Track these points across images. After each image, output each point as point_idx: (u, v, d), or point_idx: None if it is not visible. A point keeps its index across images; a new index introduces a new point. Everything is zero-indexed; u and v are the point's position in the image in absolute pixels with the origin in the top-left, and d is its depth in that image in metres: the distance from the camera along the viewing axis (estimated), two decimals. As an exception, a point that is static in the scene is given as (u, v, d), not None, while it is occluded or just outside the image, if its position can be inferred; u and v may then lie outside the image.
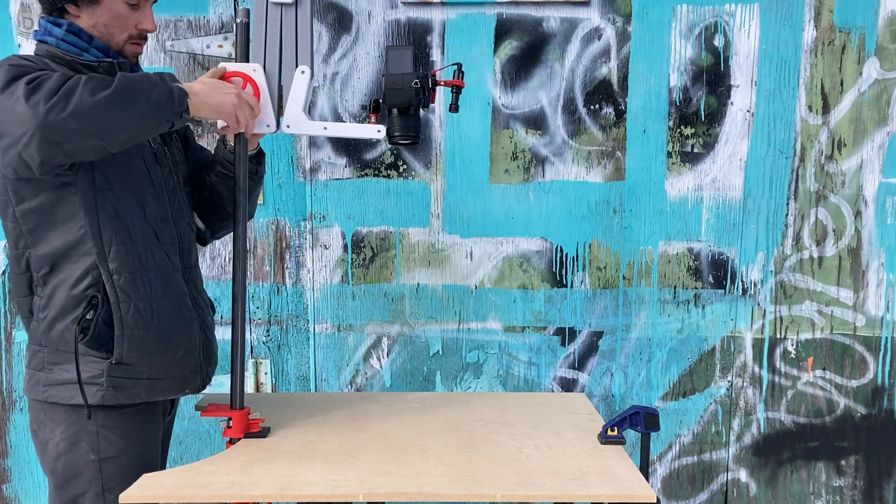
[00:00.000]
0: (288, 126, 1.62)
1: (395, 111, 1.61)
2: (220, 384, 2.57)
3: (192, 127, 1.85)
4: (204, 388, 1.74)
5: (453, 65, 1.68)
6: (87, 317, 1.52)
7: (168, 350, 1.60)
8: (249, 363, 2.56)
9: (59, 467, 1.59)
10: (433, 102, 1.63)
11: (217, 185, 1.77)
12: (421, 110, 1.62)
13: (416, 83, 1.57)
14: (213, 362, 1.77)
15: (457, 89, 1.65)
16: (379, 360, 2.60)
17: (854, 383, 2.62)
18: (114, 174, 1.53)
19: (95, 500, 1.57)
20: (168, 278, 1.61)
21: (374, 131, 1.62)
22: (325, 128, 1.65)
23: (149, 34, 1.64)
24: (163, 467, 1.76)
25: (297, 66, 1.60)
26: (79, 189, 1.50)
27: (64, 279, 1.53)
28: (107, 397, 1.55)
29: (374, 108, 1.65)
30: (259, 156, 1.80)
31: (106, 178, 1.52)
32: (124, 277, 1.54)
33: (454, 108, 1.67)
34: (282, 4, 1.59)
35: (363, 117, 2.48)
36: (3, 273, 2.54)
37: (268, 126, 1.62)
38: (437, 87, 1.65)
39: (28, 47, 2.42)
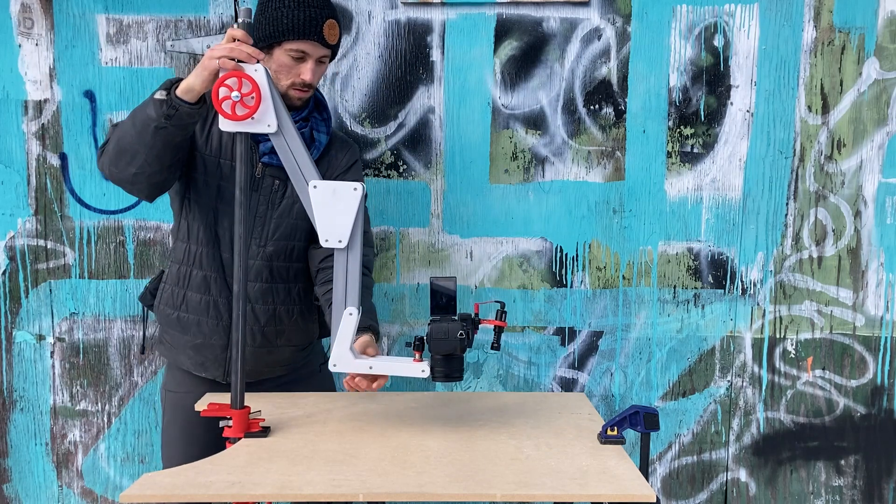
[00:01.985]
0: (335, 365, 1.65)
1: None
2: (220, 384, 2.57)
3: None
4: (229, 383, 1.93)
5: (496, 302, 1.72)
6: (155, 286, 2.04)
7: (186, 333, 1.96)
8: (249, 363, 2.57)
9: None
10: (476, 333, 1.67)
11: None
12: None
13: (461, 334, 1.61)
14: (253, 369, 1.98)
15: (498, 329, 1.66)
16: (379, 359, 2.60)
17: (853, 383, 2.62)
18: (200, 190, 1.91)
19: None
20: (208, 278, 1.93)
21: (418, 370, 1.65)
22: (370, 367, 1.67)
23: (309, 84, 1.87)
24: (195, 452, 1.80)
25: (345, 307, 1.64)
26: (175, 197, 1.96)
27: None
28: (161, 349, 2.07)
29: (418, 347, 1.66)
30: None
31: (194, 192, 1.91)
32: (176, 266, 1.96)
33: (496, 346, 1.69)
34: (335, 249, 1.65)
35: (363, 118, 2.48)
36: (4, 273, 2.54)
37: (268, 126, 1.62)
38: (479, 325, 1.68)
39: (27, 47, 2.43)
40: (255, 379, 2.00)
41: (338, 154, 2.01)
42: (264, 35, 1.82)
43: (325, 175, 1.94)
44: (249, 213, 1.88)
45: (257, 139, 1.90)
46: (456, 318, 1.63)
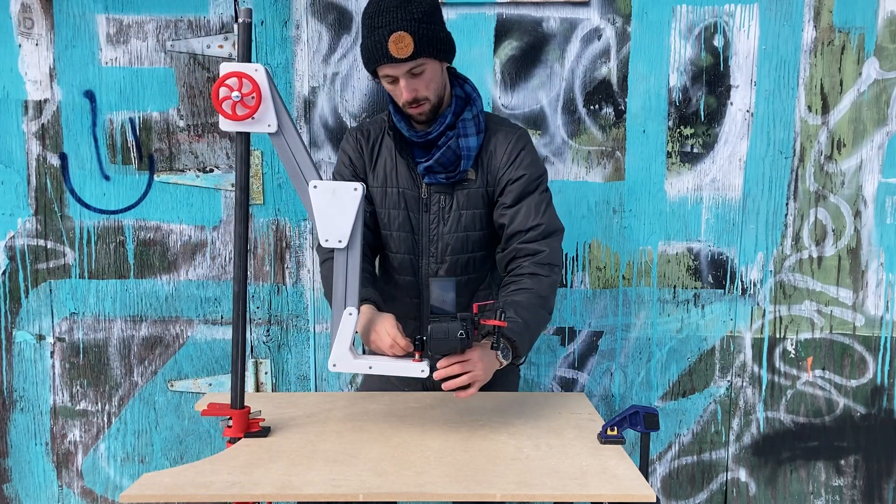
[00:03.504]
0: (335, 365, 1.64)
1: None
2: (220, 384, 2.58)
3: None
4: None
5: (495, 301, 1.71)
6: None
7: (393, 306, 1.95)
8: (250, 363, 2.57)
9: None
10: (476, 334, 1.66)
11: None
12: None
13: (461, 334, 1.60)
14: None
15: (498, 329, 1.65)
16: (379, 359, 2.60)
17: (853, 383, 2.62)
18: (380, 216, 1.95)
19: None
20: (396, 279, 1.99)
21: (418, 370, 1.65)
22: (370, 367, 1.66)
23: (415, 100, 1.81)
24: None
25: (345, 307, 1.64)
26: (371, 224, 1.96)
27: None
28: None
29: (419, 347, 1.66)
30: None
31: (378, 219, 1.96)
32: (384, 267, 2.04)
33: (496, 346, 1.67)
34: (335, 249, 1.64)
35: (363, 118, 2.48)
36: (4, 273, 2.54)
37: (268, 126, 1.62)
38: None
39: (27, 47, 2.43)
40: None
41: (497, 148, 1.90)
42: (364, 67, 1.83)
43: (489, 170, 1.88)
44: (423, 235, 1.92)
45: (417, 160, 1.89)
46: (456, 317, 1.63)
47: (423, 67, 1.76)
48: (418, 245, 1.93)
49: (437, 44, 1.76)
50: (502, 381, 2.07)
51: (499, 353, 1.70)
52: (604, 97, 2.50)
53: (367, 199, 1.94)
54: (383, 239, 1.97)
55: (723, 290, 2.58)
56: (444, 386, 1.65)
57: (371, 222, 1.95)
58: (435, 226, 1.92)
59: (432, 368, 1.66)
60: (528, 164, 1.89)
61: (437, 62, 1.79)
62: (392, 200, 1.92)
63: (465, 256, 1.94)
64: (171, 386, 2.59)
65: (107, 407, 2.61)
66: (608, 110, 2.50)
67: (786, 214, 2.55)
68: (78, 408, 2.61)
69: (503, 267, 1.93)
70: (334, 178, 2.00)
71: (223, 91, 1.59)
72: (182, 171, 2.51)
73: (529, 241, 1.85)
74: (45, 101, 2.46)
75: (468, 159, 1.86)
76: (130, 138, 2.49)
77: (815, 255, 2.57)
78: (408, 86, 1.76)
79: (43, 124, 2.47)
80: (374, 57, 1.74)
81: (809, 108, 2.50)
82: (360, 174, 1.95)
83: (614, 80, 2.49)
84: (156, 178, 2.51)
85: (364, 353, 1.88)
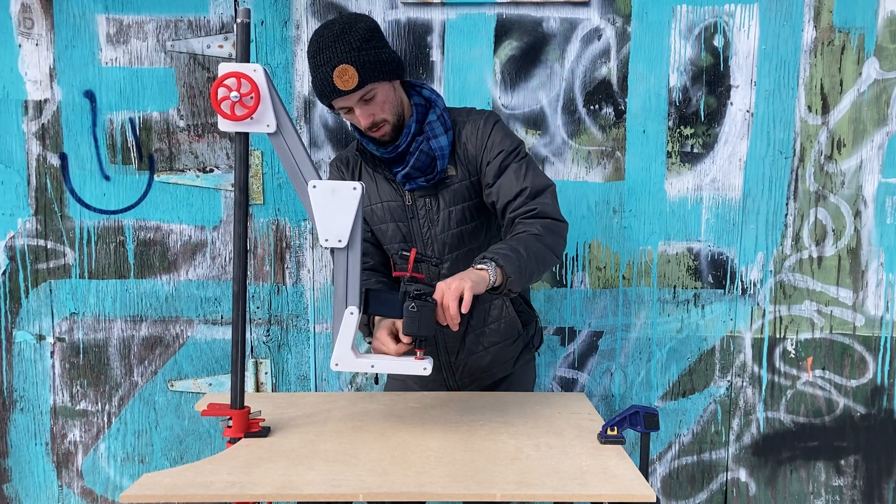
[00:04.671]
0: (336, 364, 1.65)
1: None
2: (220, 384, 2.58)
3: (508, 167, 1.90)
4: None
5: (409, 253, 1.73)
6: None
7: None
8: (250, 363, 2.57)
9: None
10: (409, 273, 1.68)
11: None
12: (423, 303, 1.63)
13: (412, 307, 1.60)
14: (459, 373, 2.05)
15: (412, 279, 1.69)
16: (379, 359, 2.60)
17: (853, 383, 2.62)
18: (378, 234, 1.98)
19: None
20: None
21: (420, 368, 1.66)
22: (371, 365, 1.67)
23: (373, 125, 1.83)
24: None
25: (346, 307, 1.64)
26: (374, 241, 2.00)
27: None
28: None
29: (420, 345, 1.66)
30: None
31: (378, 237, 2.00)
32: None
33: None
34: (335, 249, 1.64)
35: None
36: (4, 273, 2.54)
37: (267, 126, 1.62)
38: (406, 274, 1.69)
39: (27, 47, 2.43)
40: (478, 386, 2.04)
41: (468, 138, 1.91)
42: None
43: (467, 161, 1.90)
44: (416, 241, 1.94)
45: (394, 170, 1.90)
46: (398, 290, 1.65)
47: (374, 92, 1.78)
48: (409, 247, 1.95)
49: (380, 66, 1.77)
50: (519, 378, 2.09)
51: (478, 264, 1.66)
52: (604, 97, 2.50)
53: (364, 220, 1.95)
54: (388, 255, 2.00)
55: (723, 290, 2.58)
56: (451, 326, 1.61)
57: (375, 240, 2.00)
58: (426, 230, 1.94)
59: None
60: (500, 141, 1.89)
61: (386, 83, 1.81)
62: (381, 216, 1.96)
63: (465, 250, 1.95)
64: (171, 386, 2.60)
65: (107, 407, 2.61)
66: (608, 110, 2.50)
67: (786, 214, 2.55)
68: (78, 408, 2.61)
69: (508, 214, 1.91)
70: None
71: (222, 91, 1.59)
72: (182, 171, 2.51)
73: (519, 207, 1.84)
74: (45, 101, 2.46)
75: (443, 158, 1.88)
76: (130, 138, 2.49)
77: (815, 255, 2.57)
78: (363, 113, 1.79)
79: (43, 124, 2.47)
80: (325, 93, 1.78)
81: (809, 108, 2.50)
82: None
83: (614, 80, 2.49)
84: (156, 178, 2.51)
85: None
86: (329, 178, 2.02)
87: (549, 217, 1.84)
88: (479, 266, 1.65)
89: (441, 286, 1.60)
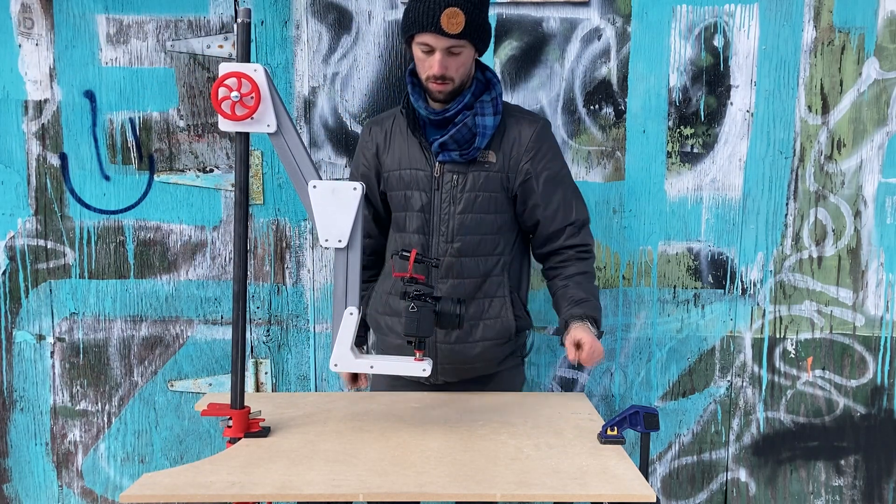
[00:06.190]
0: (336, 364, 1.66)
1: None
2: (220, 384, 2.58)
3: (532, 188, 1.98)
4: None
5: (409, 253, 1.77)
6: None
7: (388, 335, 2.04)
8: (250, 363, 2.57)
9: None
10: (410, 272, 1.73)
11: None
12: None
13: (412, 307, 1.65)
14: (441, 361, 2.01)
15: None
16: (379, 359, 2.60)
17: (853, 383, 2.62)
18: (393, 205, 2.01)
19: None
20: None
21: (419, 369, 1.67)
22: (371, 366, 1.69)
23: (442, 77, 1.85)
24: None
25: (345, 307, 1.65)
26: (388, 218, 2.08)
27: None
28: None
29: (418, 346, 1.68)
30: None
31: (391, 209, 2.03)
32: (383, 275, 2.08)
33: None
34: (335, 249, 1.65)
35: (363, 118, 2.48)
36: (4, 273, 2.54)
37: (268, 126, 1.62)
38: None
39: (27, 47, 2.43)
40: (457, 379, 2.02)
41: (522, 134, 1.96)
42: (401, 30, 1.89)
43: (511, 156, 1.94)
44: (433, 213, 1.95)
45: (430, 139, 1.92)
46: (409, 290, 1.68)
47: (462, 50, 1.83)
48: (429, 224, 1.96)
49: (482, 32, 1.86)
50: (508, 381, 2.08)
51: (589, 326, 1.87)
52: (604, 97, 2.50)
53: (367, 199, 1.96)
54: (404, 219, 1.99)
55: (723, 290, 2.58)
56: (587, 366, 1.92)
57: (371, 229, 2.05)
58: (447, 205, 1.94)
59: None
60: (551, 158, 1.99)
61: (473, 49, 1.87)
62: (405, 181, 1.96)
63: (477, 238, 1.95)
64: (171, 386, 2.60)
65: (107, 407, 2.61)
66: (608, 110, 2.50)
67: (786, 214, 2.55)
68: (78, 408, 2.61)
69: (542, 257, 2.05)
70: (352, 171, 2.12)
71: (222, 91, 1.59)
72: (182, 171, 2.51)
73: (569, 237, 1.99)
74: (45, 101, 2.46)
75: (483, 136, 1.90)
76: (130, 138, 2.49)
77: (815, 255, 2.57)
78: (441, 61, 1.82)
79: (43, 124, 2.47)
80: (422, 23, 1.79)
81: (809, 108, 2.50)
82: (379, 156, 2.00)
83: (614, 80, 2.49)
84: (156, 178, 2.51)
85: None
86: (361, 137, 2.10)
87: (592, 254, 2.04)
88: (591, 329, 1.86)
89: (595, 348, 1.81)
